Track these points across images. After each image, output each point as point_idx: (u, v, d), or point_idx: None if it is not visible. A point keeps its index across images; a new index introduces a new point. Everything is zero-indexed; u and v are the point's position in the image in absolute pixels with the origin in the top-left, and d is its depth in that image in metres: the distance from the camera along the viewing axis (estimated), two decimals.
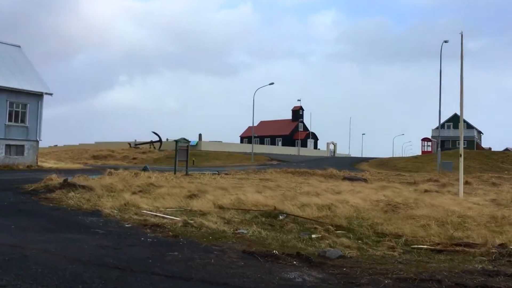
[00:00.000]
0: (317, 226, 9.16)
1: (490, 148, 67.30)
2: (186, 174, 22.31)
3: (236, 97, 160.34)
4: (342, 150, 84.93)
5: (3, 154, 32.31)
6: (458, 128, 72.57)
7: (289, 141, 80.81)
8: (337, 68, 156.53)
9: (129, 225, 9.01)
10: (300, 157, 62.82)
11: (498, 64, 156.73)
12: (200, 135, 64.45)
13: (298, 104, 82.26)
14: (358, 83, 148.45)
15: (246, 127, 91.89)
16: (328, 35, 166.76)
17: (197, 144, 61.10)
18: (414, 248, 6.75)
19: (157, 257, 5.91)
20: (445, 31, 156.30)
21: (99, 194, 13.92)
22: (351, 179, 24.89)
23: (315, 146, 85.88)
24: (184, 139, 23.39)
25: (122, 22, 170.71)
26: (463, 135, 16.77)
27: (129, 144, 62.07)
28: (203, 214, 10.80)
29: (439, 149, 37.69)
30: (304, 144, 79.98)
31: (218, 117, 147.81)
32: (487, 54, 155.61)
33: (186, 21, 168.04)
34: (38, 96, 34.09)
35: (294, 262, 5.67)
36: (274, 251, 6.14)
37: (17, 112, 33.20)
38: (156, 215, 10.11)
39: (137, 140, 63.33)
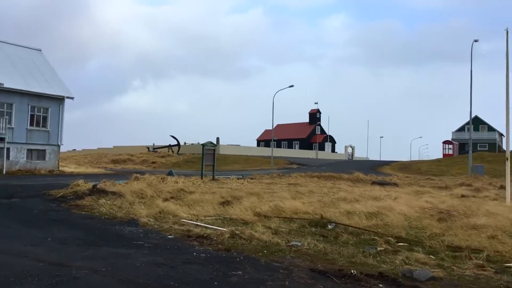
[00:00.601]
0: (375, 237, 8.43)
1: None
2: (213, 179, 21.70)
3: (248, 101, 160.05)
4: (360, 154, 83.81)
5: (25, 158, 32.09)
6: (479, 130, 71.16)
7: (306, 144, 79.93)
8: (348, 71, 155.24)
9: (172, 236, 8.39)
10: (319, 161, 61.91)
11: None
12: (217, 139, 63.85)
13: (315, 107, 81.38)
14: (370, 86, 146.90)
15: (263, 131, 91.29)
16: (339, 39, 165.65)
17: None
18: (508, 267, 5.98)
19: (221, 277, 5.26)
20: (455, 34, 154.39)
21: (130, 200, 13.37)
22: (381, 183, 24.06)
23: (333, 150, 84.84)
24: (211, 142, 22.79)
25: (134, 27, 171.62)
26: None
27: (148, 148, 61.84)
28: (245, 223, 10.16)
29: (471, 152, 36.62)
30: (321, 148, 79.03)
31: (231, 121, 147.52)
32: (499, 55, 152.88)
33: (197, 25, 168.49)
34: (60, 100, 33.85)
35: (380, 285, 4.96)
36: (352, 271, 5.43)
37: (38, 117, 32.98)
38: (197, 225, 9.48)
39: (155, 144, 63.09)
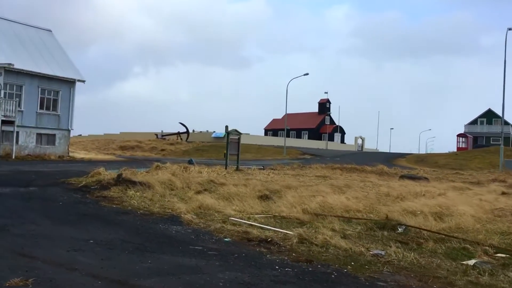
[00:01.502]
0: (466, 246, 7.22)
1: None
2: (237, 169, 20.48)
3: (250, 90, 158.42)
4: (369, 145, 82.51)
5: (34, 143, 30.94)
6: (492, 123, 69.71)
7: (315, 134, 78.59)
8: (350, 62, 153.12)
9: (229, 240, 7.19)
10: (330, 152, 60.67)
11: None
12: (226, 127, 62.50)
13: (324, 97, 79.98)
14: (372, 78, 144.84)
15: (270, 120, 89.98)
16: (341, 30, 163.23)
17: (224, 136, 59.24)
18: None
19: None
20: (458, 27, 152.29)
21: (161, 192, 12.21)
22: (411, 177, 22.77)
23: (342, 140, 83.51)
24: (236, 130, 21.53)
25: (136, 14, 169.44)
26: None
27: (156, 135, 60.64)
28: (300, 223, 8.97)
29: (502, 146, 35.22)
30: (330, 138, 77.70)
31: (233, 110, 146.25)
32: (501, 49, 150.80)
33: (199, 13, 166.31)
34: (71, 83, 32.59)
35: None
36: None
37: (48, 100, 31.75)
38: (251, 225, 8.27)
39: (164, 131, 61.85)
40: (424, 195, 14.59)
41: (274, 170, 24.42)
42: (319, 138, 78.25)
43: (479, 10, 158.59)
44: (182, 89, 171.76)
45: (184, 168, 18.66)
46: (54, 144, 32.27)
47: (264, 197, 12.37)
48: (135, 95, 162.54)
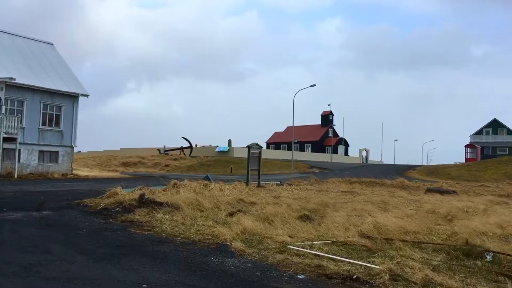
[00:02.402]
0: None
1: None
2: (258, 185, 19.20)
3: (245, 104, 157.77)
4: (373, 157, 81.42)
5: (36, 161, 29.61)
6: (498, 133, 68.89)
7: (319, 147, 77.43)
8: (342, 75, 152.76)
9: (303, 277, 5.93)
10: (336, 164, 59.49)
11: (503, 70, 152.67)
12: (229, 141, 61.40)
13: (327, 109, 78.98)
14: (365, 90, 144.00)
15: (272, 133, 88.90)
16: (334, 43, 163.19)
17: (228, 150, 58.06)
18: None
19: None
20: (447, 38, 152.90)
21: (190, 215, 10.93)
22: (439, 191, 21.55)
23: (346, 153, 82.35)
24: (257, 144, 20.30)
25: (129, 29, 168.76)
26: None
27: (158, 150, 59.27)
28: (369, 250, 7.71)
29: None
30: (334, 151, 76.54)
31: (229, 124, 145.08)
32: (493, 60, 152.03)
33: (192, 28, 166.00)
34: (74, 97, 31.43)
35: None
36: None
37: (51, 115, 30.55)
38: (317, 255, 7.01)
39: (166, 146, 60.51)
40: (467, 211, 13.43)
41: (292, 185, 23.17)
42: (322, 150, 77.09)
43: (468, 21, 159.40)
44: (177, 104, 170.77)
45: (203, 185, 17.37)
46: (57, 161, 30.95)
47: (305, 218, 11.13)
48: (130, 111, 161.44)
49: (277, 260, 6.74)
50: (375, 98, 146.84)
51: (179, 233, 8.98)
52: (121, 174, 34.86)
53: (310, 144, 78.45)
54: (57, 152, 30.94)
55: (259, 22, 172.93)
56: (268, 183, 22.42)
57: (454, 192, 21.68)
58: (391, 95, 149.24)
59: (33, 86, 28.71)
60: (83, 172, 34.09)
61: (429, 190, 22.08)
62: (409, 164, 59.96)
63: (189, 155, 55.62)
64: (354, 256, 7.20)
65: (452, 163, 62.20)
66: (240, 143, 58.55)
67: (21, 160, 28.26)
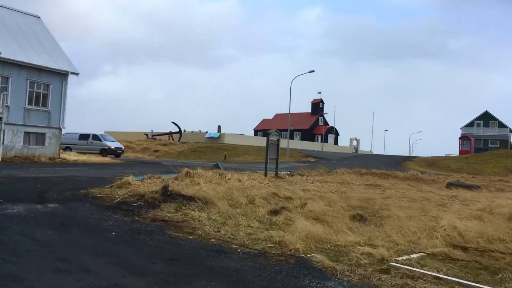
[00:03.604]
0: None
1: None
2: (276, 175, 17.52)
3: (226, 90, 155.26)
4: (363, 147, 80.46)
5: (22, 143, 27.31)
6: (489, 126, 68.54)
7: (308, 135, 75.95)
8: (323, 63, 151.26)
9: None
10: (327, 154, 58.14)
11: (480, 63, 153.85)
12: (219, 127, 59.41)
13: (318, 96, 77.41)
14: (346, 79, 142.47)
15: (260, 120, 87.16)
16: (315, 31, 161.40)
17: (219, 136, 56.14)
18: None
19: None
20: (428, 30, 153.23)
21: (226, 212, 9.22)
22: (462, 186, 20.25)
23: (335, 142, 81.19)
24: (276, 131, 18.53)
25: (105, 11, 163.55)
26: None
27: (146, 135, 56.92)
28: (485, 268, 6.15)
29: None
30: (324, 140, 75.27)
31: (210, 110, 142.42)
32: (471, 52, 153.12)
33: (170, 13, 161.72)
34: (63, 75, 29.07)
35: None
36: None
37: (38, 94, 28.17)
38: (437, 277, 5.39)
39: (154, 131, 58.18)
40: None
41: (304, 175, 21.55)
42: (312, 139, 75.72)
43: (447, 14, 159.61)
44: (155, 88, 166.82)
45: (219, 174, 15.61)
46: (43, 144, 28.67)
47: (359, 218, 9.57)
48: (108, 94, 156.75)
49: (391, 285, 5.10)
50: (356, 87, 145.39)
51: (229, 237, 7.28)
52: (112, 159, 32.71)
53: (300, 132, 76.93)
54: (44, 134, 28.64)
55: (239, 9, 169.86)
56: (280, 173, 20.75)
57: (478, 187, 20.40)
58: (372, 85, 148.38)
59: (19, 61, 26.30)
60: (69, 156, 31.81)
61: (450, 184, 20.78)
62: (402, 155, 59.04)
63: (178, 141, 53.54)
64: (477, 278, 5.63)
65: (443, 155, 61.61)
66: (224, 129, 56.62)
67: (5, 142, 25.93)
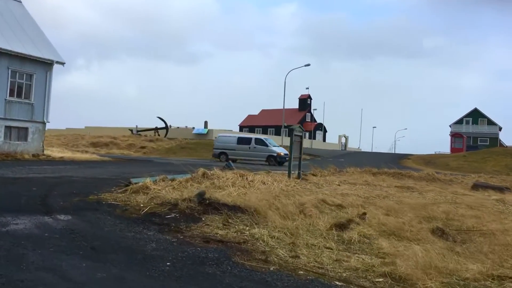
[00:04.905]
0: None
1: None
2: (299, 177, 15.74)
3: (202, 86, 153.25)
4: (351, 144, 79.46)
5: (2, 138, 24.95)
6: (478, 123, 68.25)
7: None
8: (297, 60, 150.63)
9: None
10: (319, 151, 56.73)
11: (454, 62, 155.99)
12: (206, 123, 57.21)
13: (306, 92, 75.88)
14: (319, 77, 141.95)
15: (245, 116, 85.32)
16: (290, 28, 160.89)
17: (207, 132, 54.05)
18: None
19: None
20: (401, 29, 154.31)
21: (286, 227, 7.42)
22: (488, 187, 18.86)
23: (324, 139, 79.87)
24: (300, 127, 16.73)
25: (77, 4, 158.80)
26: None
27: (131, 130, 54.39)
28: None
29: None
30: (312, 136, 73.86)
31: (186, 106, 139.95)
32: (444, 52, 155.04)
33: (145, 7, 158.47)
34: (48, 65, 26.70)
35: None
36: None
37: (20, 85, 25.76)
38: None
39: (139, 126, 55.66)
40: None
41: (316, 175, 19.83)
42: None
43: (421, 14, 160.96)
44: (130, 83, 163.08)
45: (240, 176, 13.75)
46: (26, 139, 26.30)
47: (439, 233, 7.93)
48: (81, 89, 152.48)
49: None
50: (329, 85, 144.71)
51: (317, 266, 5.53)
52: (100, 157, 30.41)
53: (286, 129, 75.26)
54: (26, 129, 26.24)
55: (214, 4, 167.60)
56: (293, 173, 18.97)
57: (507, 188, 19.04)
58: (344, 83, 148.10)
59: (0, 48, 23.87)
60: (54, 152, 29.39)
61: (477, 186, 19.37)
62: (395, 153, 58.05)
63: (165, 137, 51.24)
64: None
65: (433, 152, 60.97)
66: (209, 125, 54.34)
67: None
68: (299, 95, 78.76)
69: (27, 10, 28.98)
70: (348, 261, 5.83)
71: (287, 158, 29.22)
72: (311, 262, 5.68)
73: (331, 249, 6.42)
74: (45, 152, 27.57)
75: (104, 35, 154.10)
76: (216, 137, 33.56)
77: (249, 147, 31.35)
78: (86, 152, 37.86)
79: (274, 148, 31.45)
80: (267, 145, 31.21)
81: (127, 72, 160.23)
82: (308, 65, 46.11)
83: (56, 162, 23.23)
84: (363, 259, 5.92)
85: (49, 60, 26.53)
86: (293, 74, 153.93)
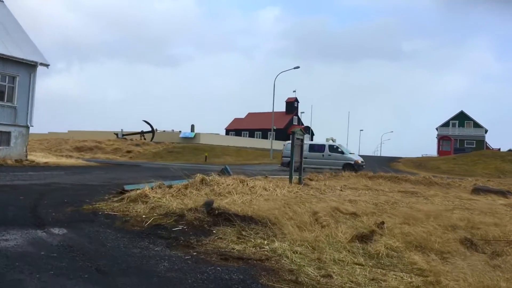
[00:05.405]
0: None
1: (499, 149, 63.22)
2: (300, 182, 15.13)
3: (182, 89, 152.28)
4: None
5: None
6: (464, 126, 68.61)
7: (283, 135, 73.83)
8: (280, 64, 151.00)
9: None
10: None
11: (434, 65, 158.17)
12: (192, 126, 56.38)
13: (293, 95, 75.52)
14: (304, 80, 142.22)
15: (231, 119, 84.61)
16: (273, 31, 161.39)
17: (194, 136, 53.19)
18: None
19: None
20: (383, 32, 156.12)
21: (304, 239, 6.80)
22: (489, 191, 18.48)
23: None
24: (301, 130, 16.13)
25: (56, 7, 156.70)
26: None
27: (116, 134, 53.21)
28: None
29: None
30: None
31: (167, 109, 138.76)
32: (424, 55, 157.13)
33: (125, 10, 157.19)
34: (31, 66, 25.70)
35: None
36: None
37: (2, 87, 24.72)
38: None
39: (124, 130, 54.50)
40: None
41: (313, 180, 19.27)
42: (286, 138, 73.57)
43: (403, 17, 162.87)
44: (110, 86, 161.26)
45: (240, 181, 13.08)
46: (8, 144, 25.23)
47: (468, 244, 7.42)
48: (62, 93, 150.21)
49: None
50: (315, 88, 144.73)
51: None
52: (86, 162, 29.39)
53: (274, 132, 74.81)
54: (9, 133, 25.16)
55: (196, 8, 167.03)
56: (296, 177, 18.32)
57: (508, 192, 18.71)
58: (329, 86, 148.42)
59: None
60: (38, 157, 28.31)
61: (477, 190, 18.99)
62: (385, 156, 57.92)
63: (151, 140, 50.23)
64: None
65: (420, 155, 61.00)
66: (187, 128, 53.78)
67: None
68: (286, 98, 78.41)
69: (10, 10, 27.90)
70: (386, 280, 5.22)
71: (364, 166, 28.92)
72: (347, 283, 5.05)
73: (362, 265, 5.81)
74: (29, 157, 26.52)
75: (84, 38, 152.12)
76: (284, 144, 32.19)
77: (323, 155, 29.82)
78: (71, 157, 36.76)
79: (351, 156, 30.19)
80: (343, 153, 29.79)
81: (108, 75, 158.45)
82: (298, 67, 45.69)
83: (41, 168, 22.24)
84: (401, 277, 5.33)
85: (32, 61, 25.53)
86: (279, 77, 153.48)
